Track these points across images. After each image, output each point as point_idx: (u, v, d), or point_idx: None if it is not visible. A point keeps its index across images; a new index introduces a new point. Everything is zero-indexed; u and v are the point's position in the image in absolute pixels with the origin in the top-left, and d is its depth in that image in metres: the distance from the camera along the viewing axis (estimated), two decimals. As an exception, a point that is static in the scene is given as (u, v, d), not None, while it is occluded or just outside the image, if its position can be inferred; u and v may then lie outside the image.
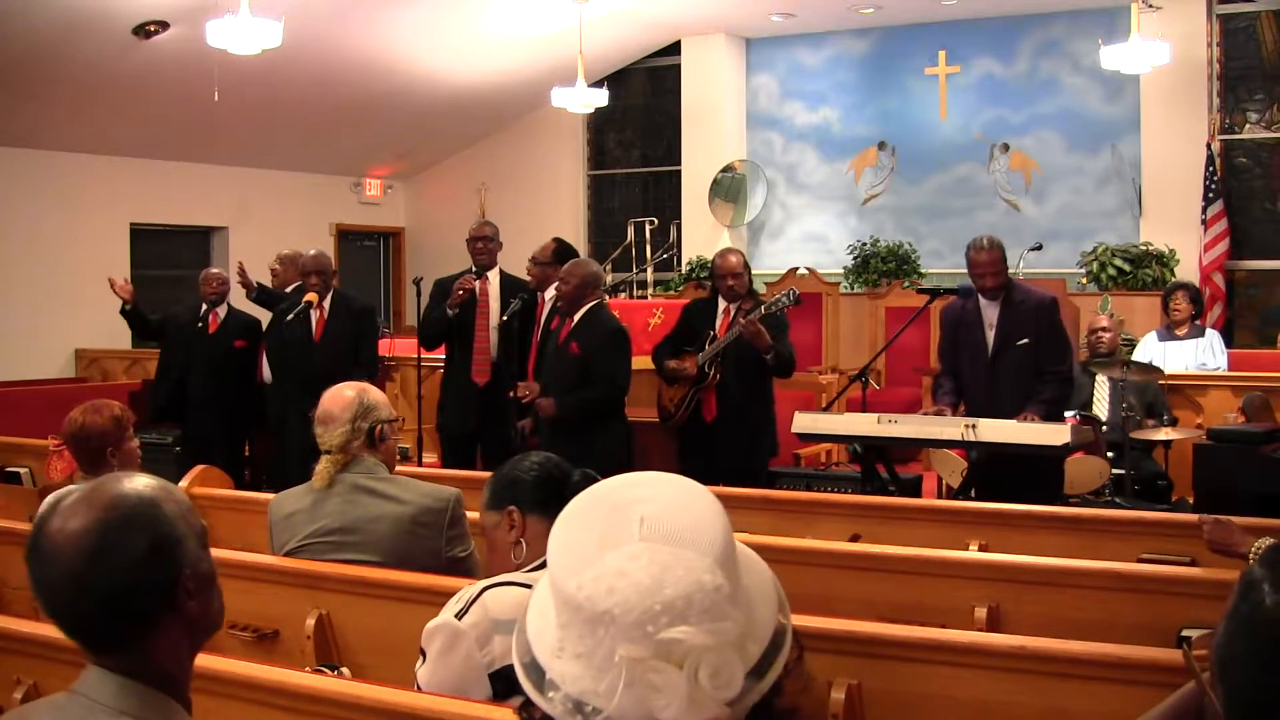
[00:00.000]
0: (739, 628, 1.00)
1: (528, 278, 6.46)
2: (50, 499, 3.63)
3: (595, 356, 5.40)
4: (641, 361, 5.94)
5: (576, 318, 5.51)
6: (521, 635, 1.07)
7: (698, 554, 1.00)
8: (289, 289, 7.11)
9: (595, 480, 2.51)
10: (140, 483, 1.56)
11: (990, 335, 5.21)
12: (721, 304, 5.70)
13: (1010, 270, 5.36)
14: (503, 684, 2.23)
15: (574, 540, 1.04)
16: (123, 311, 7.41)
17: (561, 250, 6.33)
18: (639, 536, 1.01)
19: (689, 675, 0.95)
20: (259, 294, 7.51)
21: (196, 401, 7.02)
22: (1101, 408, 6.36)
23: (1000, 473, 5.10)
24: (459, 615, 2.27)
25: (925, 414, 5.42)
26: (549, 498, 2.49)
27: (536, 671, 1.02)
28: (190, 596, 1.52)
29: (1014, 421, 4.92)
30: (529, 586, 2.26)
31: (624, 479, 1.10)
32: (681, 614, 0.96)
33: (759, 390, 5.64)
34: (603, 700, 0.97)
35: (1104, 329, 6.65)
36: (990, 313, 5.22)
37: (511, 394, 5.82)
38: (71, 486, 3.57)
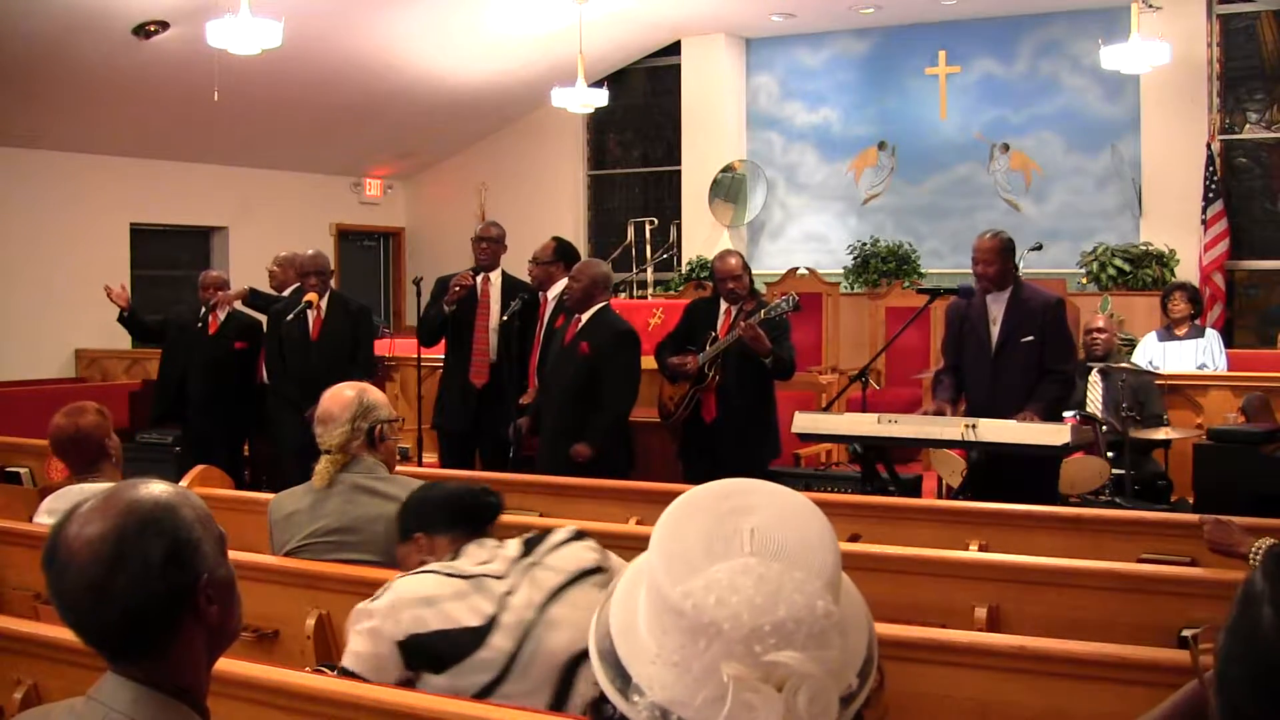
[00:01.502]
0: (841, 656, 0.98)
1: (528, 278, 6.45)
2: (54, 504, 3.63)
3: (606, 357, 5.41)
4: (643, 361, 5.95)
5: (584, 317, 5.52)
6: (602, 630, 1.05)
7: (809, 575, 0.98)
8: (287, 291, 7.12)
9: (497, 497, 2.67)
10: (157, 488, 1.53)
11: (995, 331, 5.19)
12: (723, 305, 5.70)
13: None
14: (414, 654, 2.35)
15: (678, 546, 1.01)
16: (121, 319, 7.42)
17: (562, 249, 6.32)
18: (749, 550, 0.98)
19: (787, 698, 0.94)
20: (252, 298, 7.52)
21: (196, 402, 7.02)
22: (1095, 408, 6.35)
23: (996, 472, 5.10)
24: (372, 601, 2.43)
25: (924, 412, 5.41)
26: (455, 516, 2.63)
27: (618, 671, 1.01)
28: (210, 602, 1.51)
29: (1014, 421, 4.90)
30: (443, 574, 2.43)
31: (726, 486, 1.07)
32: (789, 637, 0.95)
33: (759, 392, 5.63)
34: (694, 713, 0.95)
35: (1099, 330, 6.62)
36: (996, 309, 5.20)
37: (519, 399, 5.86)
38: (73, 488, 3.58)
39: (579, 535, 2.53)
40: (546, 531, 2.54)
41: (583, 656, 2.33)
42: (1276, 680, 1.07)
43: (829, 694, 0.96)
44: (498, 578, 2.42)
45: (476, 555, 2.50)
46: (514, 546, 2.48)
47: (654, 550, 1.02)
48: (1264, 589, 1.10)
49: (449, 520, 2.63)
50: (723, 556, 0.98)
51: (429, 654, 2.34)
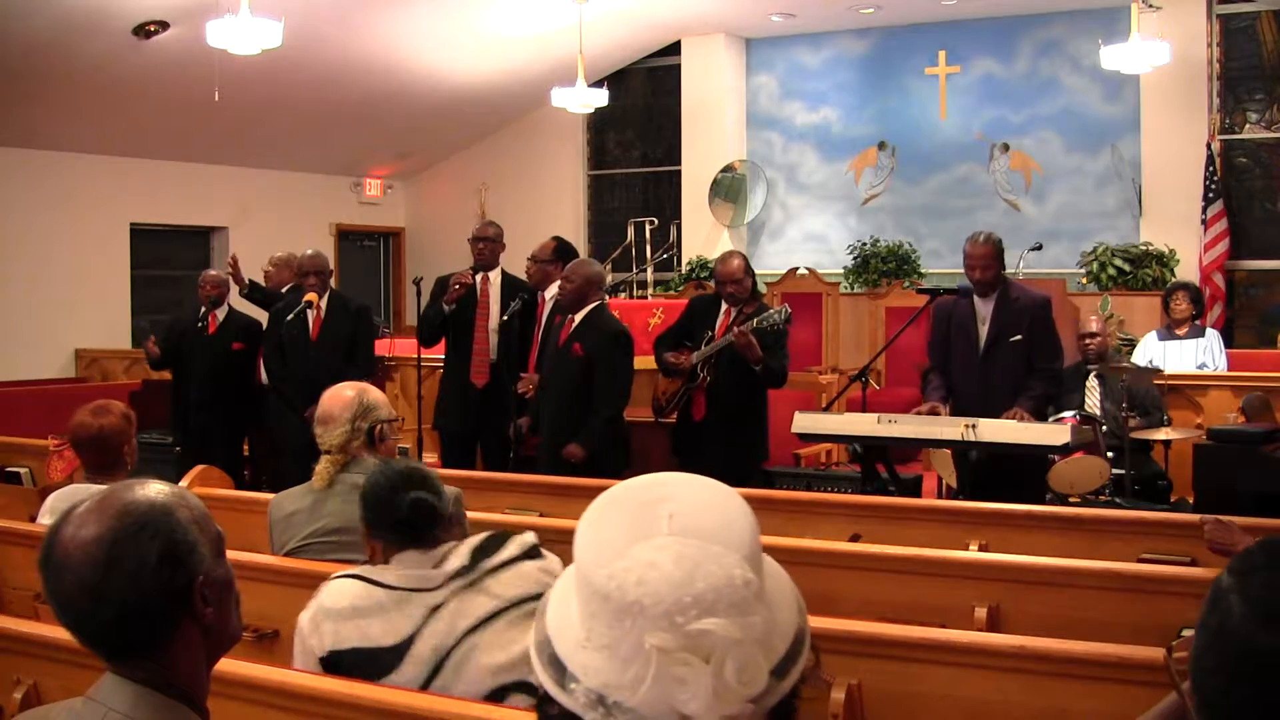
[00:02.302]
0: (766, 625, 1.00)
1: (526, 276, 6.45)
2: (57, 504, 3.64)
3: (600, 359, 5.40)
4: (641, 361, 5.95)
5: (578, 318, 5.52)
6: (540, 629, 1.07)
7: (726, 549, 1.00)
8: (283, 291, 7.11)
9: (441, 503, 2.55)
10: (153, 489, 1.53)
11: (983, 331, 5.22)
12: (724, 305, 5.70)
13: (1010, 270, 5.36)
14: (334, 670, 2.33)
15: (601, 534, 1.04)
16: (151, 365, 7.42)
17: (561, 248, 6.32)
18: (667, 531, 1.01)
19: (715, 669, 0.96)
20: (251, 291, 7.49)
21: (196, 402, 7.01)
22: (1094, 410, 6.33)
23: (992, 472, 5.11)
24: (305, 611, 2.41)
25: (918, 412, 5.41)
26: (389, 523, 2.49)
27: (556, 666, 1.03)
28: (207, 603, 1.51)
29: (1014, 421, 4.92)
30: (369, 580, 2.37)
31: (649, 478, 1.11)
32: (711, 607, 0.97)
33: (750, 396, 5.63)
34: (626, 692, 0.97)
35: (1092, 334, 6.55)
36: (984, 309, 5.24)
37: (514, 386, 5.85)
38: (77, 487, 3.59)
39: (533, 552, 2.37)
40: (504, 538, 2.41)
41: (500, 693, 2.26)
42: (1248, 664, 1.08)
43: (757, 662, 0.98)
44: (431, 590, 2.31)
45: (412, 563, 2.40)
46: (460, 557, 2.36)
47: (579, 541, 1.05)
48: (1230, 583, 1.12)
49: (383, 524, 2.52)
50: (643, 539, 1.01)
51: (346, 670, 2.32)
